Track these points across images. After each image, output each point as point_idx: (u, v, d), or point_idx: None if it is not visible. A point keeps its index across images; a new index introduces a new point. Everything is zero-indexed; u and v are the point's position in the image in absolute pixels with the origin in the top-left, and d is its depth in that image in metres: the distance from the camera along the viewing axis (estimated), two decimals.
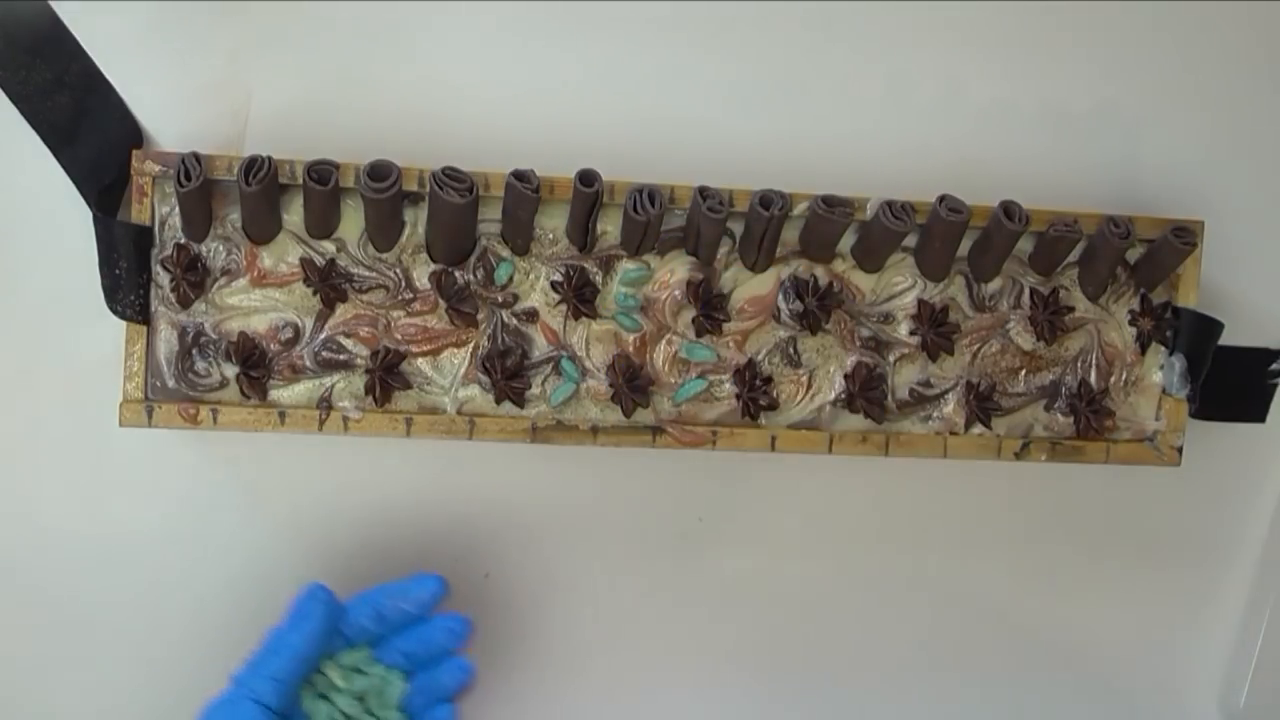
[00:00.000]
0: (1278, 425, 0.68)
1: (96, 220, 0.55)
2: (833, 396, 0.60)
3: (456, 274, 0.58)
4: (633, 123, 0.62)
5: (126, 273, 0.56)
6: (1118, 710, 0.68)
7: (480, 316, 0.58)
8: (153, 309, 0.57)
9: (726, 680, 0.65)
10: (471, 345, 0.58)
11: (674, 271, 0.59)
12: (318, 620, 0.53)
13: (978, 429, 0.62)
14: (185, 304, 0.57)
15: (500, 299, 0.58)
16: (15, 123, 0.56)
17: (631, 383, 0.59)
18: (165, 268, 0.56)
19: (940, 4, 0.63)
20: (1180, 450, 0.63)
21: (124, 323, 0.56)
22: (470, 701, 0.64)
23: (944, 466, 0.63)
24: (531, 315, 0.59)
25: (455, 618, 0.56)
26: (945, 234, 0.59)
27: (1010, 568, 0.67)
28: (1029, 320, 0.62)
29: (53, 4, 0.56)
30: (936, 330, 0.61)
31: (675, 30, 0.62)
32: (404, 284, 0.58)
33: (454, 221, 0.56)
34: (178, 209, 0.56)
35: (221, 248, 0.57)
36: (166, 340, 0.57)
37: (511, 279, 0.59)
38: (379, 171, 0.55)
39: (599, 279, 0.59)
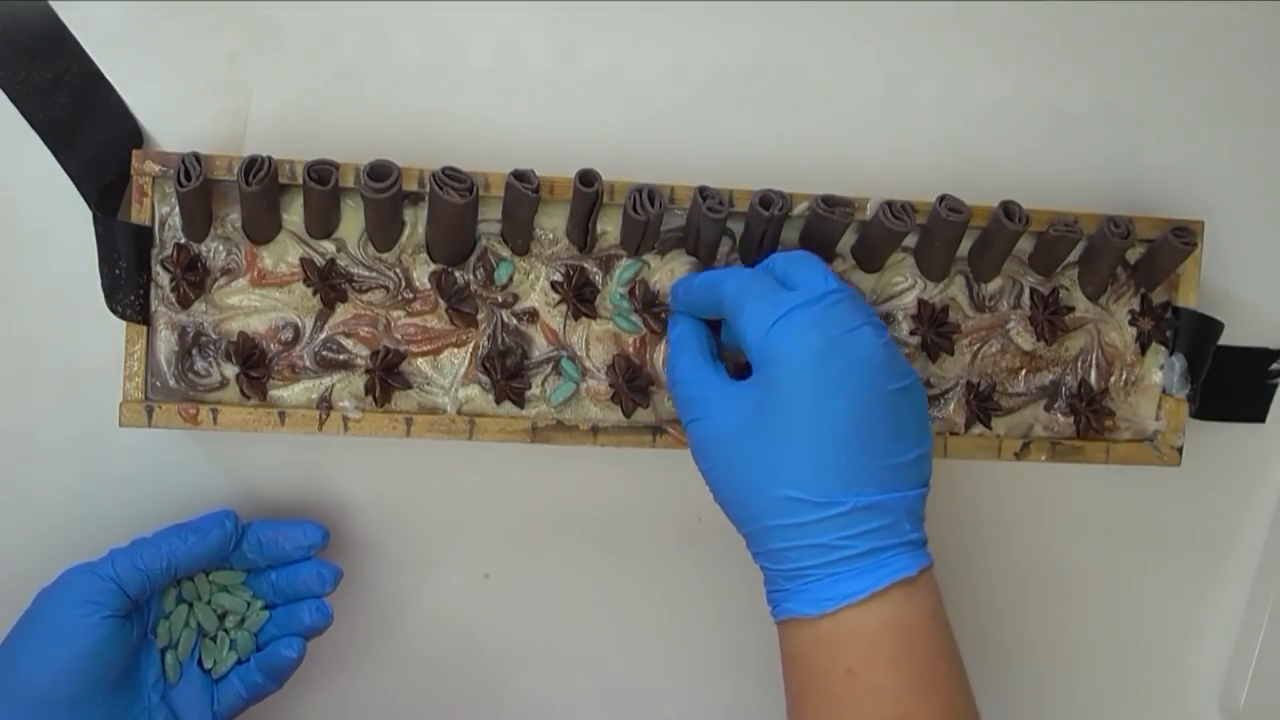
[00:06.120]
0: (1278, 425, 0.68)
1: (96, 220, 0.55)
2: None
3: (456, 274, 0.58)
4: (633, 123, 0.62)
5: (126, 273, 0.56)
6: (1118, 710, 0.68)
7: (480, 316, 0.58)
8: (153, 309, 0.57)
9: (725, 681, 0.65)
10: (471, 345, 0.58)
11: (674, 271, 0.59)
12: (208, 542, 0.55)
13: (978, 429, 0.62)
14: (185, 304, 0.57)
15: (500, 299, 0.59)
16: (15, 123, 0.56)
17: (631, 383, 0.59)
18: (165, 268, 0.56)
19: (940, 4, 0.63)
20: (1180, 450, 0.63)
21: (124, 323, 0.56)
22: (471, 703, 0.64)
23: (944, 466, 0.63)
24: (531, 315, 0.59)
25: (328, 565, 0.57)
26: (945, 234, 0.59)
27: (1009, 568, 0.67)
28: (1029, 320, 0.62)
29: (53, 4, 0.56)
30: (936, 330, 0.61)
31: (675, 30, 0.62)
32: (404, 284, 0.58)
33: (454, 221, 0.56)
34: (178, 209, 0.56)
35: (221, 248, 0.57)
36: (166, 340, 0.57)
37: (511, 279, 0.59)
38: (379, 171, 0.55)
39: (599, 279, 0.59)
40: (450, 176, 0.55)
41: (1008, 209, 0.58)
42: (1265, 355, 0.67)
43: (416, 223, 0.58)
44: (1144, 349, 0.63)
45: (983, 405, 0.61)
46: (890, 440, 0.51)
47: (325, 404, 0.57)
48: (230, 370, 0.57)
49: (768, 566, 0.53)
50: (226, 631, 0.58)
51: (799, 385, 0.51)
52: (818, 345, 0.51)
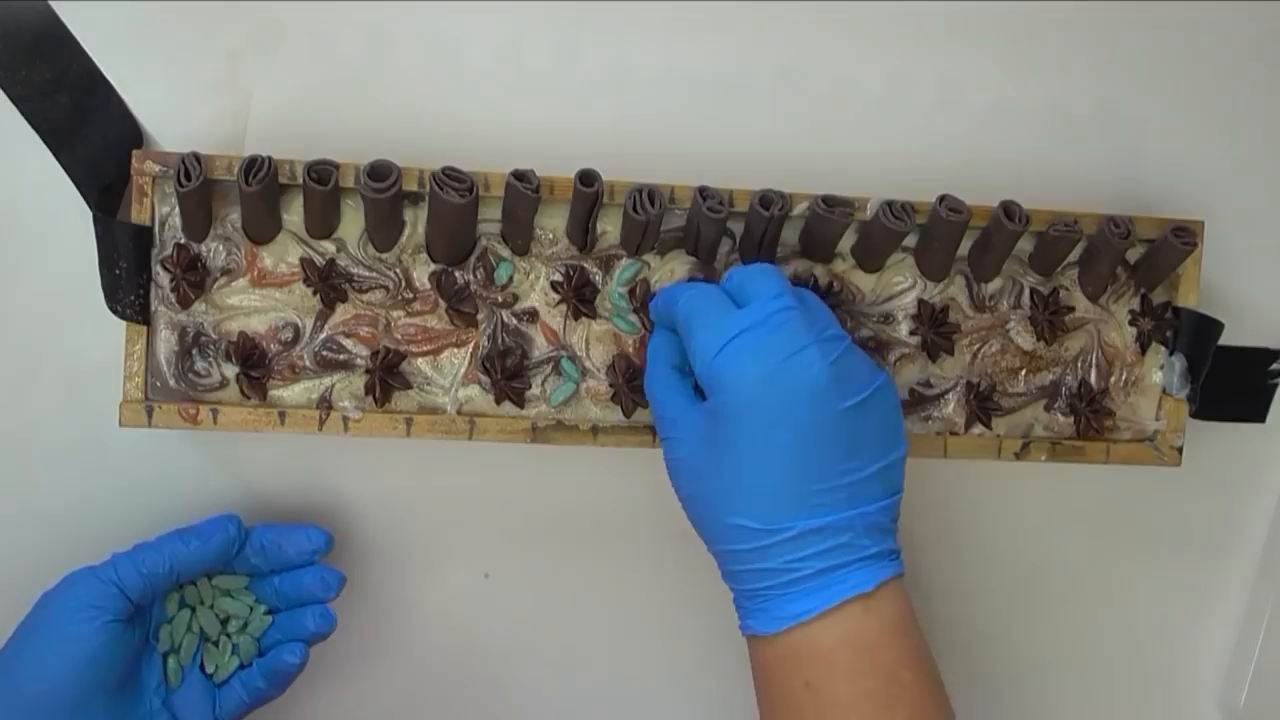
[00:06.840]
0: (1278, 425, 0.68)
1: (96, 220, 0.55)
2: None
3: (456, 274, 0.58)
4: (633, 123, 0.62)
5: (126, 273, 0.56)
6: (1118, 710, 0.68)
7: (480, 316, 0.58)
8: (153, 309, 0.57)
9: (726, 681, 0.65)
10: (471, 345, 0.58)
11: (674, 271, 0.59)
12: (211, 546, 0.55)
13: (978, 429, 0.62)
14: (185, 304, 0.57)
15: (500, 299, 0.59)
16: (15, 123, 0.56)
17: (631, 383, 0.59)
18: (165, 268, 0.56)
19: (940, 4, 0.63)
20: (1180, 450, 0.63)
21: (124, 323, 0.56)
22: (471, 704, 0.64)
23: (944, 466, 0.63)
24: (531, 315, 0.59)
25: (331, 571, 0.57)
26: (945, 234, 0.59)
27: (1008, 567, 0.67)
28: (1029, 320, 0.62)
29: (53, 4, 0.56)
30: (936, 330, 0.61)
31: (675, 30, 0.62)
32: (404, 284, 0.58)
33: (454, 221, 0.56)
34: (178, 209, 0.56)
35: (221, 248, 0.57)
36: (166, 340, 0.57)
37: (511, 279, 0.59)
38: (379, 171, 0.55)
39: (599, 279, 0.59)
40: (450, 176, 0.55)
41: (1008, 209, 0.58)
42: (1265, 355, 0.67)
43: (416, 223, 0.58)
44: (1144, 349, 0.63)
45: (983, 405, 0.61)
46: (843, 460, 0.50)
47: (325, 404, 0.57)
48: (230, 370, 0.57)
49: (731, 586, 0.53)
50: (229, 636, 0.58)
51: (741, 417, 0.50)
52: (758, 376, 0.50)
